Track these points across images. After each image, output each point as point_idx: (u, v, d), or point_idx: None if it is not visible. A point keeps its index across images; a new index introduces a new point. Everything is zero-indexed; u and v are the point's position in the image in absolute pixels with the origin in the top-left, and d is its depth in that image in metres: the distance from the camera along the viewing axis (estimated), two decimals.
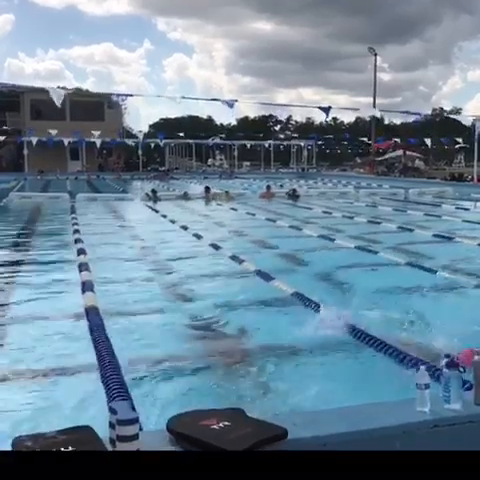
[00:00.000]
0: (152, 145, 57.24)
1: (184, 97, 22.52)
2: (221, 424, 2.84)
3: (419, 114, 33.66)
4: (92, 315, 6.53)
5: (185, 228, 14.66)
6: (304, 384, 4.79)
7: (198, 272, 9.39)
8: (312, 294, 7.28)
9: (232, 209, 20.52)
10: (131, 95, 20.78)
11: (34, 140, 45.84)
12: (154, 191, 24.74)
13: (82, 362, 5.33)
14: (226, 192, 25.01)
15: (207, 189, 24.90)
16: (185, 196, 24.71)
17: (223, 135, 56.12)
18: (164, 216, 18.01)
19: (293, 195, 23.98)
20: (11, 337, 6.30)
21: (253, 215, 18.25)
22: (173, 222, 16.27)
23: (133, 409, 3.28)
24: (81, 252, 10.80)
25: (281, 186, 29.48)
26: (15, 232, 14.68)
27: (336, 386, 4.74)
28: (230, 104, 20.47)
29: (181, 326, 6.52)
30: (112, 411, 2.78)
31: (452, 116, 43.48)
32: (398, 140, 52.06)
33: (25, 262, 10.54)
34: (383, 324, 6.25)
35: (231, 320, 6.65)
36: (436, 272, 8.91)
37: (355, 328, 5.94)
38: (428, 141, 46.07)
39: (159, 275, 9.34)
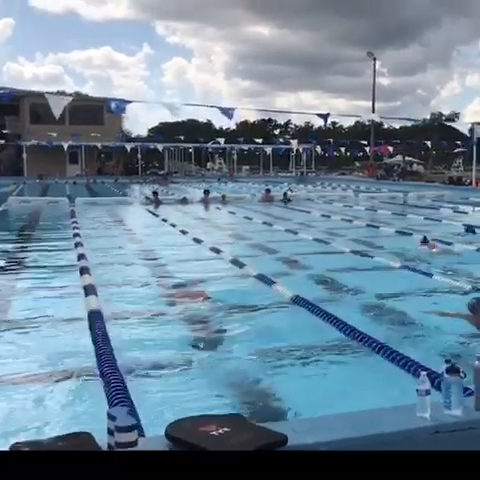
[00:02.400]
0: (151, 147, 57.16)
1: (183, 104, 22.41)
2: (220, 430, 2.82)
3: (417, 120, 33.64)
4: (95, 319, 6.51)
5: (184, 232, 14.67)
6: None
7: (196, 274, 9.42)
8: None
9: (231, 212, 20.57)
10: (130, 101, 20.57)
11: (34, 144, 45.85)
12: (155, 194, 24.98)
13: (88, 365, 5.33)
14: (223, 196, 25.27)
15: (206, 192, 25.20)
16: (184, 201, 24.95)
17: (222, 139, 55.85)
18: (164, 220, 18.00)
19: (285, 199, 24.27)
20: (12, 341, 6.27)
21: (250, 219, 18.24)
22: (173, 226, 16.30)
23: (132, 415, 3.26)
24: (82, 257, 10.78)
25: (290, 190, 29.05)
26: (15, 237, 14.67)
27: None
28: (229, 114, 20.25)
29: (179, 328, 6.53)
30: (111, 417, 2.76)
31: (449, 124, 43.44)
32: (398, 141, 52.07)
33: (25, 267, 10.51)
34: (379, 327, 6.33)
35: (227, 321, 6.72)
36: (432, 276, 8.91)
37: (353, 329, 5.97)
38: (428, 143, 46.11)
39: (159, 278, 9.39)
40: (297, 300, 7.37)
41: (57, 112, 16.85)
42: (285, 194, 25.15)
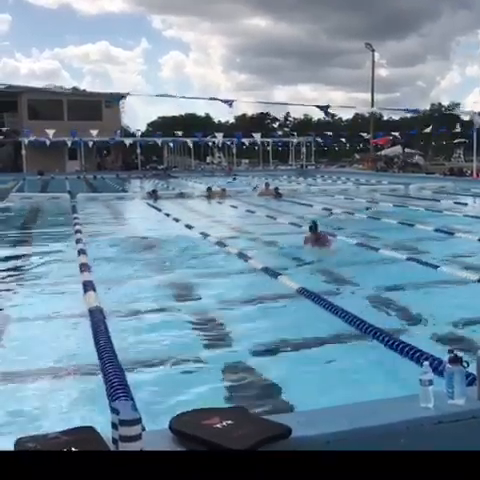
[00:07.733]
0: (150, 142, 57.02)
1: (183, 97, 22.53)
2: (224, 423, 2.82)
3: (417, 111, 33.59)
4: (95, 315, 6.52)
5: (189, 226, 14.70)
6: None
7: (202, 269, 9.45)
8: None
9: (232, 206, 20.76)
10: (129, 94, 20.73)
11: (32, 140, 45.85)
12: (154, 190, 25.67)
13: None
14: (222, 190, 25.82)
15: (209, 189, 25.69)
16: (181, 195, 25.91)
17: (221, 134, 55.66)
18: (167, 214, 18.07)
19: (276, 193, 24.26)
20: (13, 337, 6.28)
21: (253, 212, 18.32)
22: (174, 219, 16.47)
23: (135, 409, 3.26)
24: (83, 252, 10.77)
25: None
26: (17, 233, 14.68)
27: None
28: (229, 104, 20.45)
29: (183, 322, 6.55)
30: (114, 411, 2.76)
31: (450, 112, 43.25)
32: (397, 134, 51.96)
33: (29, 263, 10.51)
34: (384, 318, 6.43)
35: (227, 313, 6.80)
36: (437, 267, 8.92)
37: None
38: (428, 130, 46.03)
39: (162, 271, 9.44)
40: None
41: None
42: (276, 188, 25.33)
